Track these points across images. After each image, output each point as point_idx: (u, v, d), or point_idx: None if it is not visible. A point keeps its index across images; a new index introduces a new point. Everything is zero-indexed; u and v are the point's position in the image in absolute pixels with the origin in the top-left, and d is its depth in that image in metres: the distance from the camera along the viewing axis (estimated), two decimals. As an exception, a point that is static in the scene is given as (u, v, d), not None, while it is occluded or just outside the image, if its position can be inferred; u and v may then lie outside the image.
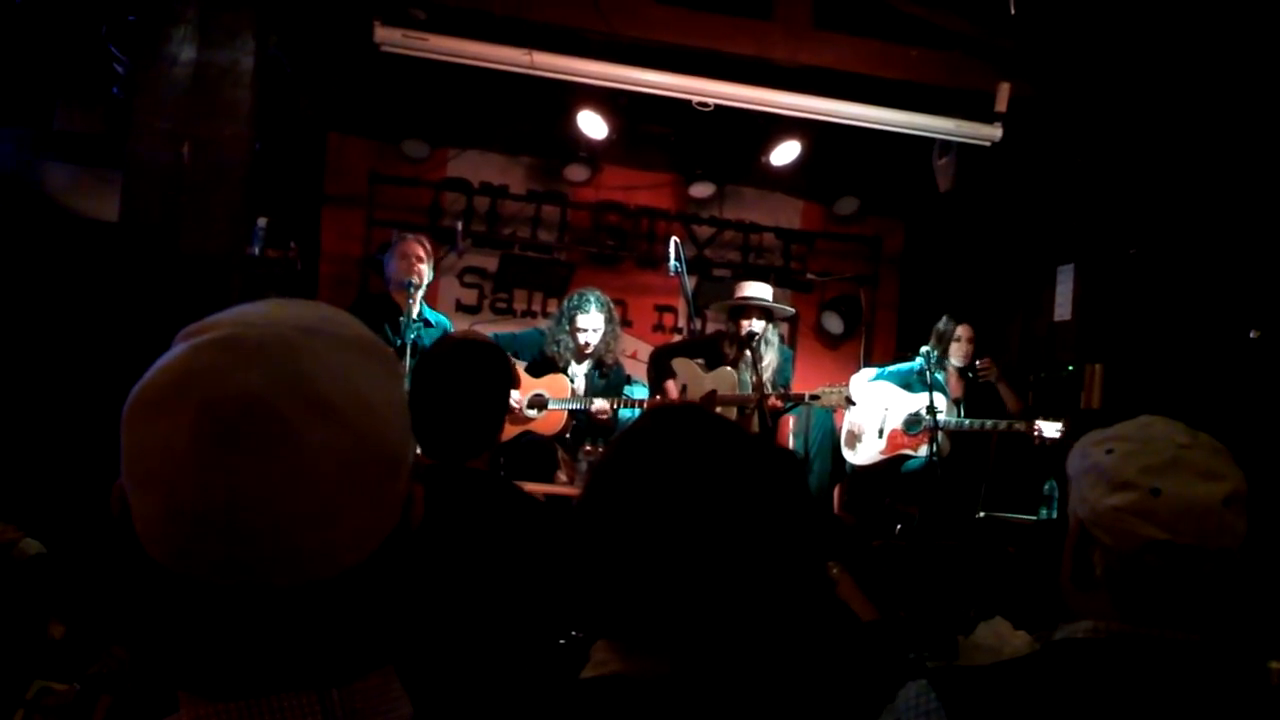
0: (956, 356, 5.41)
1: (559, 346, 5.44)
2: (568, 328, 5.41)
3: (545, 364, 5.50)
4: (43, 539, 2.94)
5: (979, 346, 5.45)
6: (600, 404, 5.23)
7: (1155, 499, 1.36)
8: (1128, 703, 1.32)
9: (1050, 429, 4.76)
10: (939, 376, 5.25)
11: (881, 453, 5.37)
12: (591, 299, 5.40)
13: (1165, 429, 1.44)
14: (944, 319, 5.48)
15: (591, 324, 5.38)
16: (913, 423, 5.21)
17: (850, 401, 5.08)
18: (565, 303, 5.53)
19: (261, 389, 0.74)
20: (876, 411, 5.38)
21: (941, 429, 4.97)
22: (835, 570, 2.34)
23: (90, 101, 5.61)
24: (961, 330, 5.41)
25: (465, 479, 2.22)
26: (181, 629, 0.77)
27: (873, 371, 5.59)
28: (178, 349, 0.77)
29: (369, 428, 0.79)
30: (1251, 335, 4.60)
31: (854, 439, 5.49)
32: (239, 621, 0.76)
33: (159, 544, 0.74)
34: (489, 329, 6.36)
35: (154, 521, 0.74)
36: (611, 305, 5.58)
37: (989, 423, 4.95)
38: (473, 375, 2.29)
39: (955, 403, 5.31)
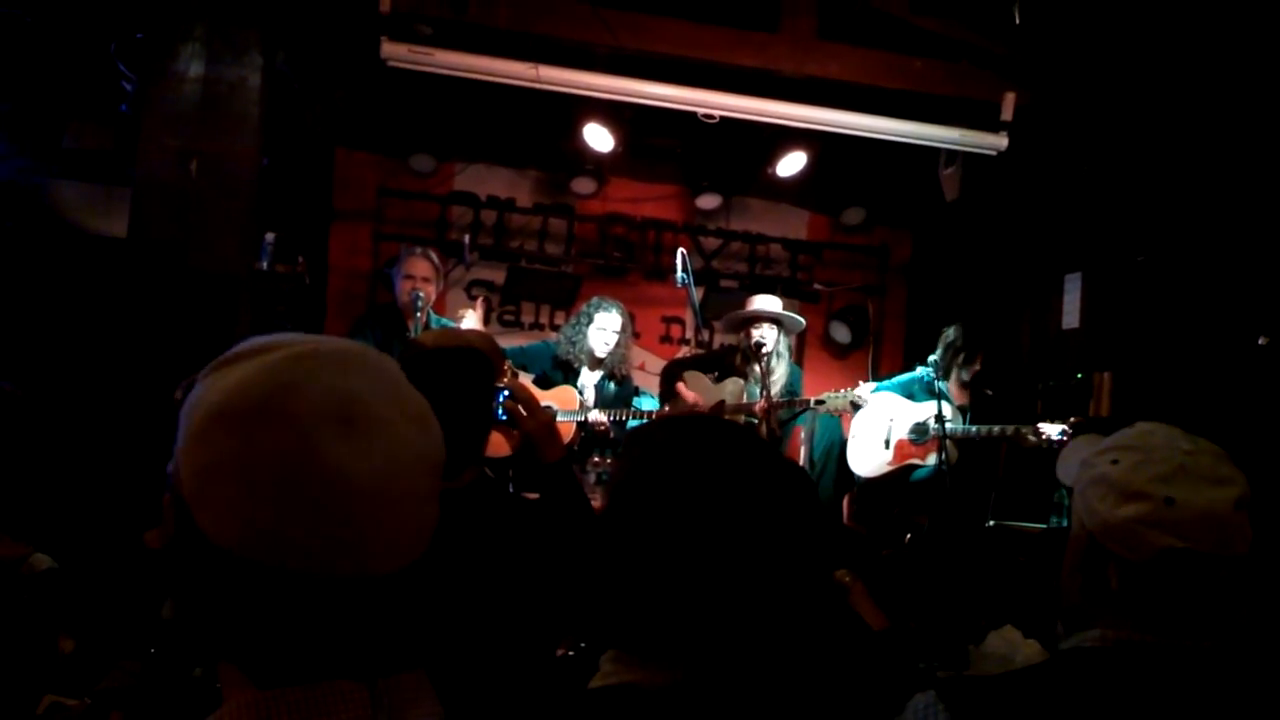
0: (967, 373, 5.37)
1: (574, 348, 5.46)
2: (586, 328, 5.42)
3: (559, 376, 5.51)
4: (52, 554, 2.95)
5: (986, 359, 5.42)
6: (596, 416, 5.24)
7: (1170, 508, 1.36)
8: (1139, 712, 1.32)
9: (1054, 430, 4.71)
10: (942, 385, 5.23)
11: (889, 463, 5.35)
12: (614, 304, 5.46)
13: (1166, 436, 1.44)
14: (955, 331, 5.40)
15: (611, 325, 5.40)
16: (919, 432, 5.19)
17: (856, 406, 5.07)
18: (586, 305, 5.57)
19: (361, 389, 0.83)
20: (882, 422, 5.36)
21: (949, 437, 4.95)
22: (848, 578, 2.34)
23: (99, 119, 5.65)
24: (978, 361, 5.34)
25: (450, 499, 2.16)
26: (247, 618, 0.81)
27: (874, 385, 5.57)
28: (247, 368, 0.83)
29: (437, 433, 0.89)
30: (1260, 342, 4.58)
31: (861, 451, 5.47)
32: (310, 610, 0.81)
33: (256, 539, 0.79)
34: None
35: (253, 517, 0.78)
36: (630, 318, 5.60)
37: (995, 429, 4.92)
38: (440, 393, 2.15)
39: (960, 410, 5.28)
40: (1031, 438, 4.80)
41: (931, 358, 5.01)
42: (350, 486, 0.79)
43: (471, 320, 5.29)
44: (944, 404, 4.87)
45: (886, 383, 5.47)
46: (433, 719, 0.88)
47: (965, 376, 5.36)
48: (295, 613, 0.80)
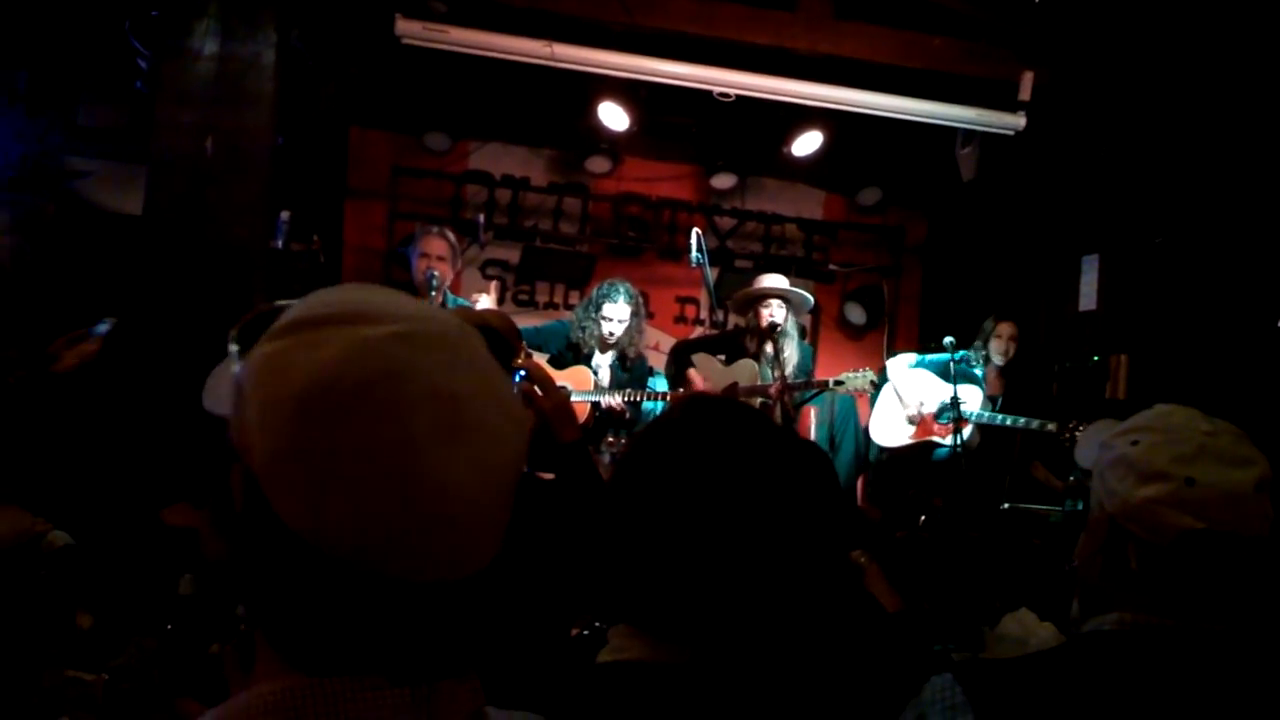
0: (997, 354, 5.39)
1: (584, 333, 5.46)
2: (594, 315, 5.42)
3: (570, 356, 5.50)
4: (70, 531, 2.97)
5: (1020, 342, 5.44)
6: (609, 399, 5.24)
7: (1190, 488, 1.35)
8: (1157, 695, 1.31)
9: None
10: (977, 371, 5.27)
11: (911, 436, 5.36)
12: (621, 290, 5.41)
13: (1185, 417, 1.44)
14: (991, 323, 5.46)
15: (617, 314, 5.37)
16: (944, 411, 5.20)
17: (875, 385, 5.06)
18: (595, 290, 5.54)
19: (464, 385, 0.78)
20: (912, 396, 5.37)
21: (973, 423, 4.99)
22: (864, 559, 2.33)
23: (114, 97, 5.65)
24: (1002, 328, 5.39)
25: None
26: (304, 603, 0.78)
27: (913, 357, 5.57)
28: (343, 343, 0.76)
29: (526, 426, 0.84)
30: (1279, 324, 4.56)
31: (885, 421, 5.47)
32: (371, 607, 0.77)
33: (335, 534, 0.74)
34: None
35: (337, 514, 0.74)
36: (640, 299, 5.57)
37: (1021, 420, 4.92)
38: None
39: (991, 399, 5.29)
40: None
41: (948, 339, 4.99)
42: (445, 493, 0.75)
43: (486, 303, 5.28)
44: (974, 389, 4.95)
45: (924, 359, 5.48)
46: None
47: (999, 360, 5.39)
48: (356, 607, 0.77)
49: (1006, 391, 5.41)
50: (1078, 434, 4.62)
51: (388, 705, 0.77)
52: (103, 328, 3.81)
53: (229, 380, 0.84)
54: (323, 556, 0.75)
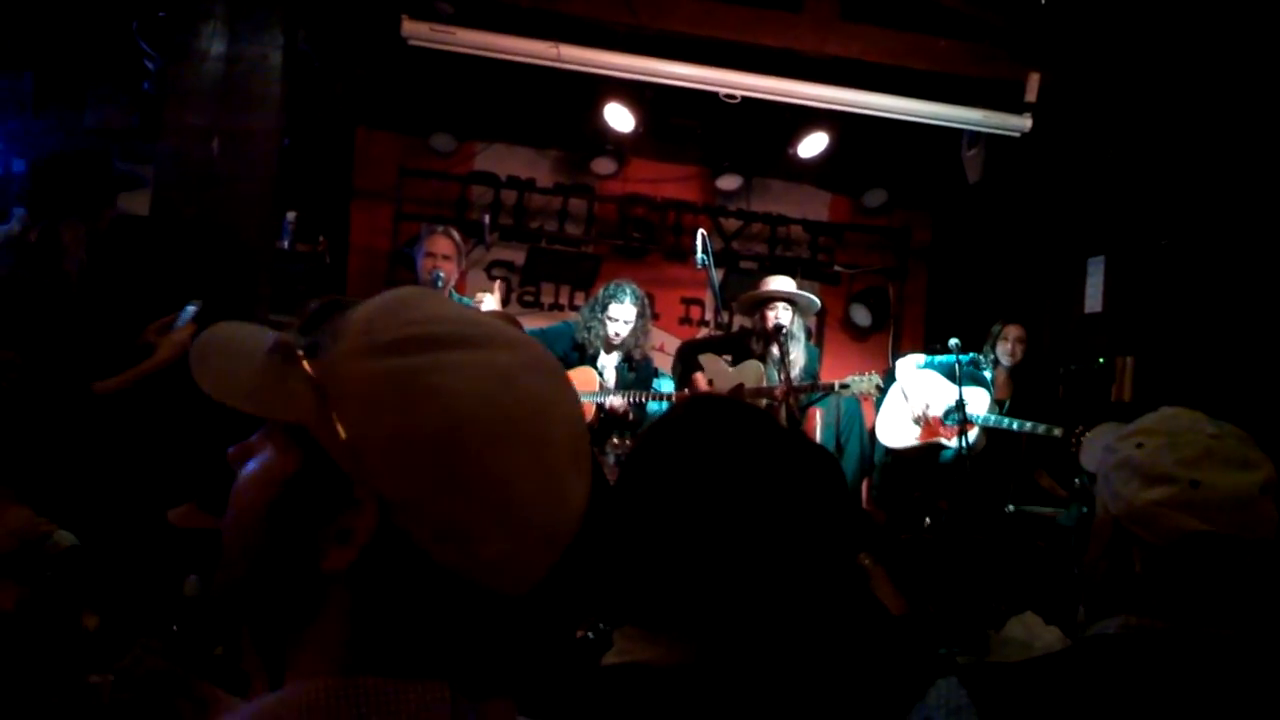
0: (1004, 356, 5.42)
1: (589, 333, 5.46)
2: (600, 315, 5.42)
3: (576, 357, 5.51)
4: (76, 532, 2.97)
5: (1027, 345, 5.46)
6: (614, 400, 5.24)
7: (1195, 490, 1.35)
8: (1161, 699, 1.31)
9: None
10: (987, 374, 5.28)
11: (918, 438, 5.36)
12: (627, 291, 5.41)
13: (1191, 420, 1.44)
14: (1000, 326, 5.52)
15: (623, 315, 5.38)
16: (950, 413, 5.20)
17: (880, 389, 5.06)
18: (601, 291, 5.54)
19: (579, 413, 0.82)
20: (919, 397, 5.37)
21: (980, 425, 4.98)
22: (869, 562, 2.33)
23: (121, 97, 5.66)
24: (1010, 330, 5.43)
25: None
26: (405, 612, 0.76)
27: (922, 358, 5.57)
28: (480, 372, 0.76)
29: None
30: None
31: (892, 421, 5.47)
32: (466, 617, 0.77)
33: (475, 561, 0.75)
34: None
35: (489, 547, 0.75)
36: (646, 300, 5.56)
37: (1027, 425, 4.92)
38: None
39: (999, 403, 5.29)
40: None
41: (953, 341, 4.99)
42: (572, 519, 0.79)
43: (491, 303, 5.28)
44: (982, 392, 4.97)
45: (932, 360, 5.49)
46: None
47: (1006, 361, 5.41)
48: (447, 615, 0.76)
49: (1015, 394, 5.41)
50: (1084, 440, 4.61)
51: (435, 711, 0.76)
52: (191, 310, 3.75)
53: (279, 372, 0.78)
54: (441, 571, 0.75)
